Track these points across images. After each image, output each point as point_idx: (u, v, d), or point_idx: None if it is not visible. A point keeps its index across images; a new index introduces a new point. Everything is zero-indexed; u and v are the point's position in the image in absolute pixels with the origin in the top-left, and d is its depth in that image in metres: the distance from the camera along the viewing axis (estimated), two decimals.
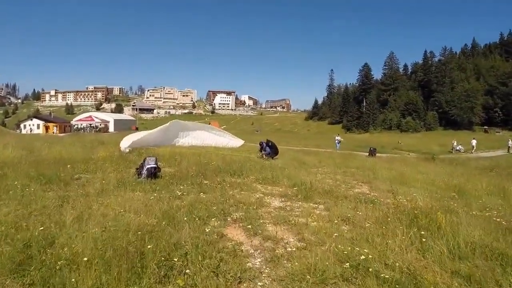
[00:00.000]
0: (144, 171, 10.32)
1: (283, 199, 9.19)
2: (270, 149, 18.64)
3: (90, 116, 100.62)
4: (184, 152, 17.58)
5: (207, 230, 5.78)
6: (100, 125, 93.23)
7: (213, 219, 6.57)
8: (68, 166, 12.01)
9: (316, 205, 8.61)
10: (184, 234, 5.35)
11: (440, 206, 8.18)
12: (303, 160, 19.18)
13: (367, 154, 28.88)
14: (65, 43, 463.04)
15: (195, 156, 16.14)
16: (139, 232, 5.26)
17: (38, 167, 11.53)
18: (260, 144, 19.29)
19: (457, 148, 47.54)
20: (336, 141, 42.70)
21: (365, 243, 5.44)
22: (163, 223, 5.94)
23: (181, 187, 9.67)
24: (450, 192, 11.38)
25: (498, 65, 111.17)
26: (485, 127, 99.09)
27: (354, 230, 6.22)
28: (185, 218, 6.26)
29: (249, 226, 6.24)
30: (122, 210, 6.72)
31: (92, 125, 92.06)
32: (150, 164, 10.45)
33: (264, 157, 18.03)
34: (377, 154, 29.47)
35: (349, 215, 7.30)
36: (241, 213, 7.20)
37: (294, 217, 7.16)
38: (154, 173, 10.40)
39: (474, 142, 50.56)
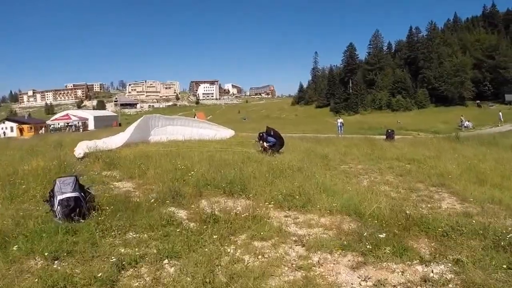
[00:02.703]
0: (56, 207, 5.29)
1: (354, 260, 4.44)
2: (275, 140, 13.79)
3: (67, 115, 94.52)
4: (155, 153, 12.52)
5: None
6: (78, 123, 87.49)
7: None
8: None
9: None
10: None
11: None
12: (320, 152, 14.24)
13: (385, 137, 24.17)
14: (39, 40, 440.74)
15: (170, 159, 11.16)
16: None
17: None
18: (259, 136, 14.36)
19: (465, 124, 43.31)
20: (339, 125, 37.95)
21: None
22: None
23: (127, 240, 4.96)
24: None
25: (484, 38, 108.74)
26: (478, 101, 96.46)
27: None
28: None
29: None
30: None
31: (69, 124, 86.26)
32: (65, 192, 5.37)
33: (268, 151, 13.18)
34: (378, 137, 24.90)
35: None
36: None
37: None
38: (75, 208, 5.30)
39: (501, 114, 47.18)
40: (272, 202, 6.71)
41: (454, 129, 42.67)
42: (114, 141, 15.33)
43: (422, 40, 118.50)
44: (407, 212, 5.81)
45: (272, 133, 13.83)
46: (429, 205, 6.99)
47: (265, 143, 13.55)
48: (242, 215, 5.82)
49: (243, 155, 12.56)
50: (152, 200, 6.69)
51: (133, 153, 12.55)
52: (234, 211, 6.11)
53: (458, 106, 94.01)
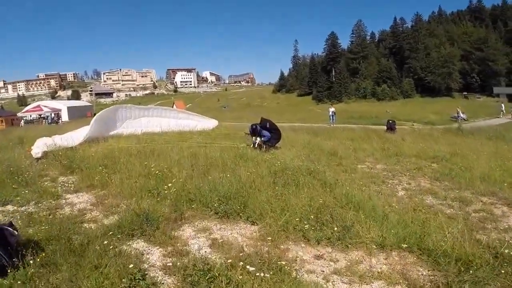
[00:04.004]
0: None
1: None
2: (270, 133, 11.45)
3: (38, 106, 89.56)
4: (126, 150, 10.05)
5: None
6: (51, 114, 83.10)
7: None
8: None
9: None
10: None
11: None
12: (325, 147, 11.94)
13: (385, 128, 22.07)
14: (5, 30, 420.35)
15: (143, 158, 8.76)
16: None
17: None
18: (251, 128, 11.68)
19: (461, 116, 41.77)
20: (331, 114, 35.71)
21: None
22: None
23: None
24: None
25: (471, 31, 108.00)
26: (464, 93, 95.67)
27: None
28: None
29: None
30: None
31: (42, 116, 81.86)
32: None
33: (262, 147, 10.89)
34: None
35: None
36: None
37: None
38: None
39: (503, 106, 45.54)
40: (292, 231, 4.57)
41: (449, 120, 41.51)
42: (76, 136, 12.72)
43: (407, 31, 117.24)
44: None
45: (268, 126, 11.49)
46: (498, 227, 5.26)
47: (259, 139, 11.16)
48: (254, 272, 3.50)
49: (233, 151, 10.29)
50: (111, 233, 4.38)
51: (100, 151, 10.09)
52: (238, 253, 3.87)
53: (444, 97, 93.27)
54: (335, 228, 4.54)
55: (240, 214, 5.23)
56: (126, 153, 9.55)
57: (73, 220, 5.09)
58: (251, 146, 11.06)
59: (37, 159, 10.13)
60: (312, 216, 4.89)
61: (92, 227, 4.85)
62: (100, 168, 7.87)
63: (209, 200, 5.57)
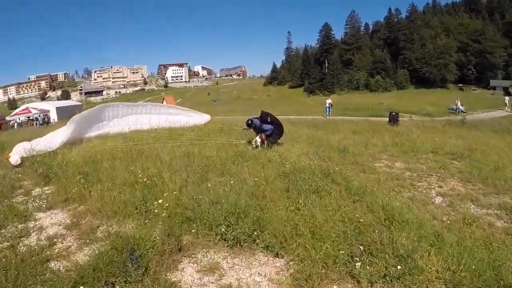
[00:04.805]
0: None
1: None
2: (273, 127, 10.07)
3: (26, 108, 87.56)
4: (112, 152, 8.77)
5: None
6: (40, 116, 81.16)
7: None
8: None
9: None
10: None
11: None
12: (333, 142, 10.74)
13: (388, 120, 20.98)
14: None
15: (128, 163, 7.54)
16: None
17: None
18: (248, 123, 10.37)
19: (460, 108, 40.87)
20: (327, 106, 34.41)
21: None
22: None
23: None
24: None
25: (467, 23, 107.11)
26: (460, 84, 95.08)
27: None
28: None
29: None
30: None
31: (30, 118, 79.99)
32: None
33: (264, 144, 9.65)
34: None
35: None
36: None
37: None
38: None
39: (508, 99, 44.54)
40: (331, 265, 3.41)
41: (446, 112, 40.72)
42: (56, 138, 11.45)
43: (402, 22, 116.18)
44: None
45: (269, 120, 10.19)
46: None
47: (258, 140, 9.80)
48: None
49: (231, 149, 9.07)
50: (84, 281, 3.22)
51: (82, 154, 8.83)
52: None
53: (439, 88, 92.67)
54: (388, 259, 3.39)
55: (257, 240, 4.04)
56: (110, 155, 8.29)
57: (38, 258, 3.86)
58: (252, 145, 9.77)
59: (16, 166, 9.02)
60: (352, 240, 3.74)
61: (61, 268, 3.65)
62: (79, 177, 6.61)
63: (212, 218, 4.35)
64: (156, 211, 4.67)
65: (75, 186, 6.19)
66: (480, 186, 6.74)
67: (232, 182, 5.66)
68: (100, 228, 4.70)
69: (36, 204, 5.95)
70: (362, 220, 4.28)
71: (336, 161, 7.94)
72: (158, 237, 3.99)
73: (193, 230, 4.28)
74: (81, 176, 6.76)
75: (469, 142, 11.75)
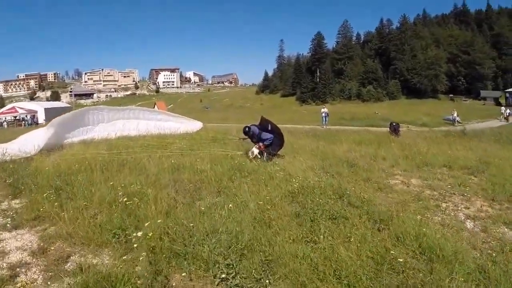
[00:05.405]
0: None
1: None
2: (273, 136, 8.97)
3: (13, 108, 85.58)
4: (89, 162, 7.73)
5: None
6: (26, 116, 79.33)
7: None
8: None
9: None
10: None
11: None
12: (338, 154, 9.81)
13: (389, 131, 20.21)
14: None
15: (109, 175, 6.58)
16: None
17: None
18: (246, 131, 9.22)
19: (457, 118, 40.50)
20: (323, 115, 33.85)
21: None
22: None
23: None
24: None
25: (457, 34, 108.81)
26: (451, 95, 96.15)
27: None
28: None
29: None
30: None
31: (16, 118, 78.06)
32: None
33: (263, 155, 8.68)
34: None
35: None
36: None
37: None
38: None
39: (504, 109, 45.48)
40: None
41: (441, 122, 40.73)
42: (31, 143, 10.46)
43: (393, 32, 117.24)
44: None
45: (269, 128, 9.16)
46: None
47: (261, 144, 8.89)
48: None
49: (226, 162, 8.14)
50: None
51: (58, 163, 7.81)
52: None
53: (430, 99, 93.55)
54: None
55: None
56: (90, 165, 7.31)
57: None
58: (249, 156, 8.82)
59: None
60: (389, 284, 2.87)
61: None
62: (50, 192, 5.65)
63: (207, 253, 3.41)
64: (138, 240, 3.72)
65: (46, 202, 5.25)
66: (508, 205, 5.96)
67: (230, 204, 4.74)
68: (71, 257, 3.78)
69: (0, 221, 5.01)
70: (393, 253, 3.43)
71: (346, 177, 7.05)
72: (140, 278, 3.07)
73: (184, 263, 3.34)
74: (54, 190, 5.82)
75: (480, 154, 11.01)
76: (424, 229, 4.07)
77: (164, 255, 3.47)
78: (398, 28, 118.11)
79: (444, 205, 5.86)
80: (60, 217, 4.70)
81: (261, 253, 3.42)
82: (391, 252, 3.45)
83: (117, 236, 3.97)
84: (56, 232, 4.42)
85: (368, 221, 4.42)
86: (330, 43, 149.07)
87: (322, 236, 3.81)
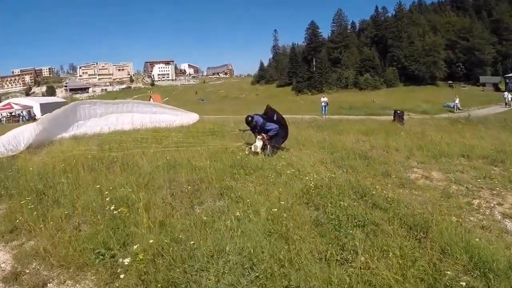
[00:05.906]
0: None
1: None
2: (278, 127, 8.26)
3: (8, 104, 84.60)
4: (80, 160, 7.00)
5: None
6: (22, 112, 78.35)
7: None
8: None
9: None
10: None
11: None
12: (350, 146, 9.05)
13: (393, 119, 19.57)
14: None
15: (97, 175, 5.86)
16: None
17: None
18: (249, 120, 8.26)
19: (458, 105, 39.84)
20: (323, 104, 33.13)
21: None
22: None
23: None
24: None
25: (455, 21, 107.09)
26: (450, 81, 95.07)
27: None
28: None
29: None
30: None
31: (13, 114, 77.04)
32: None
33: (267, 148, 7.95)
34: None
35: None
36: None
37: None
38: None
39: (507, 94, 43.61)
40: None
41: (442, 109, 40.23)
42: (18, 139, 9.77)
43: (389, 20, 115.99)
44: None
45: (275, 118, 8.42)
46: None
47: (263, 135, 8.20)
48: None
49: (227, 156, 7.45)
50: None
51: (46, 162, 7.11)
52: None
53: (429, 85, 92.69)
54: None
55: None
56: (77, 164, 6.58)
57: None
58: (250, 150, 8.10)
59: None
60: None
61: None
62: (30, 198, 4.94)
63: (214, 283, 2.70)
64: (128, 263, 3.00)
65: (25, 210, 4.54)
66: None
67: (238, 213, 4.02)
68: (48, 285, 3.10)
69: None
70: (449, 273, 2.76)
71: (361, 171, 6.34)
72: None
73: None
74: (36, 195, 5.13)
75: (493, 143, 10.33)
76: (476, 239, 3.39)
77: (159, 285, 2.76)
78: (394, 15, 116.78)
79: (475, 202, 5.18)
80: (38, 230, 4.01)
81: (282, 278, 2.72)
82: (447, 272, 2.76)
83: (101, 257, 3.26)
84: (32, 249, 3.74)
85: (401, 227, 3.73)
86: (325, 32, 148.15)
87: (355, 252, 3.10)
